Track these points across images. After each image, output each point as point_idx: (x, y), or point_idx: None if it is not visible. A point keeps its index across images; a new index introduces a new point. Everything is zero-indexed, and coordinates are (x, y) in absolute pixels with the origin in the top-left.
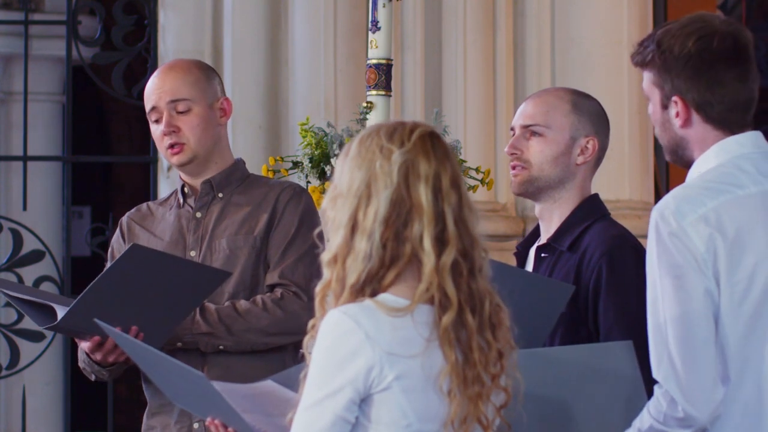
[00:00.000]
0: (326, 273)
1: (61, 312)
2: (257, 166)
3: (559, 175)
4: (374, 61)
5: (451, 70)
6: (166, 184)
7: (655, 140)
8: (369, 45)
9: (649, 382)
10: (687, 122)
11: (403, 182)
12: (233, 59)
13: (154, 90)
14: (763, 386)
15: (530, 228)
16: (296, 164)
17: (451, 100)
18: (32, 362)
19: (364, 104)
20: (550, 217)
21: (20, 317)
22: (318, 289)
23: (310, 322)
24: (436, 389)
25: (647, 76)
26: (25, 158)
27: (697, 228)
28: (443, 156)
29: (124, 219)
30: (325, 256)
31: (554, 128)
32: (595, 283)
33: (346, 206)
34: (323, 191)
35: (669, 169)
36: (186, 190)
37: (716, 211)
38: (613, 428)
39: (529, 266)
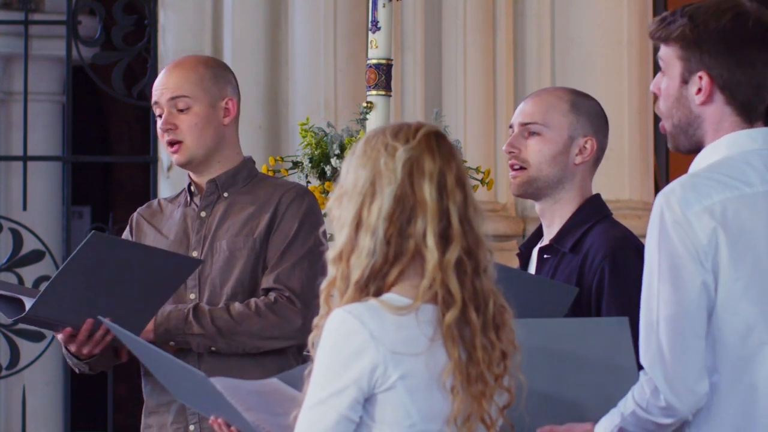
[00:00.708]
0: (331, 270)
1: (29, 303)
2: (257, 166)
3: (557, 174)
4: (374, 61)
5: (451, 70)
6: (166, 184)
7: (655, 140)
8: (369, 45)
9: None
10: (708, 100)
11: (407, 179)
12: (233, 59)
13: (158, 86)
14: (757, 386)
15: (530, 228)
16: (296, 164)
17: (451, 100)
18: (32, 362)
19: (364, 104)
20: (551, 217)
21: None
22: (323, 286)
23: (315, 320)
24: (439, 387)
25: (668, 50)
26: (25, 158)
27: (701, 219)
28: (448, 154)
29: (135, 215)
30: (330, 254)
31: (552, 127)
32: (598, 285)
33: (351, 204)
34: (323, 191)
35: (669, 169)
36: (192, 188)
37: (722, 204)
38: (604, 402)
39: (532, 267)
